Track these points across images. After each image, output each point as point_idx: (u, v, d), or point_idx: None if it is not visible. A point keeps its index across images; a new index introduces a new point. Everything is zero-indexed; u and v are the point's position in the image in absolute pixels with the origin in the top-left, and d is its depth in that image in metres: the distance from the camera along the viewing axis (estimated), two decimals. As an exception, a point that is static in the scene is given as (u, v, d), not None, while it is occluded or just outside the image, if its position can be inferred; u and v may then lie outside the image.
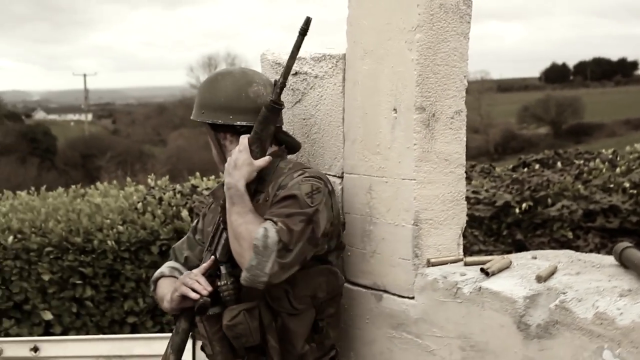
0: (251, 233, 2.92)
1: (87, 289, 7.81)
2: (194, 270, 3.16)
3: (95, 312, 7.89)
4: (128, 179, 9.74)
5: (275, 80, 3.15)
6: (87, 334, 7.79)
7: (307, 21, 3.13)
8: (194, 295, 3.05)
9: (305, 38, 3.14)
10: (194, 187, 8.82)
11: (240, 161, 3.09)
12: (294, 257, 2.95)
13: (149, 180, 9.35)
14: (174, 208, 8.10)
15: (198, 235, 3.48)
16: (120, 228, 7.86)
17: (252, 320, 3.06)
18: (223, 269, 3.11)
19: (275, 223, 2.92)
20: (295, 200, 3.02)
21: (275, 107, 3.15)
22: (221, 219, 3.16)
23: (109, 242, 7.74)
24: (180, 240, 3.56)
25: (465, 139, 3.26)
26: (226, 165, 3.12)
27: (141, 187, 9.23)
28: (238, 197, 3.05)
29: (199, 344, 3.28)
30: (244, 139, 3.13)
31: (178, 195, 8.46)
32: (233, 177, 3.08)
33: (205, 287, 3.06)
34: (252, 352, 3.14)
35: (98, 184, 9.71)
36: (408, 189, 3.16)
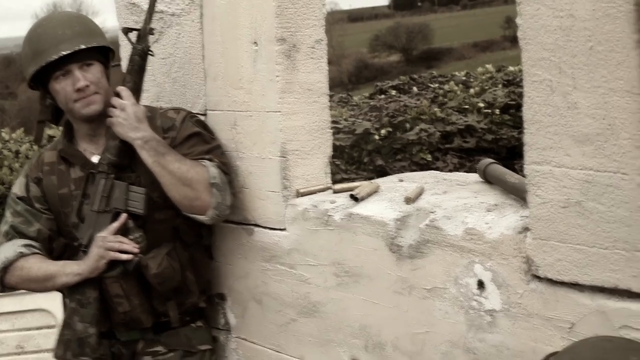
0: (203, 174, 3.03)
1: (-53, 250, 7.60)
2: (105, 233, 3.04)
3: (-42, 272, 7.68)
4: (-18, 134, 9.50)
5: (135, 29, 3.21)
6: (-49, 296, 7.57)
7: None
8: (125, 257, 3.02)
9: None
10: (51, 137, 8.63)
11: (140, 113, 3.09)
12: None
13: (4, 134, 9.16)
14: (32, 160, 7.92)
15: (38, 204, 3.21)
16: (-22, 185, 7.68)
17: (174, 262, 3.15)
18: (131, 223, 3.08)
19: (211, 160, 3.08)
20: (201, 136, 3.18)
21: (149, 55, 3.20)
22: (108, 175, 3.09)
23: (-34, 200, 7.55)
24: (13, 217, 3.22)
25: (327, 67, 3.27)
26: (122, 120, 3.05)
27: (-5, 141, 9.01)
28: (163, 147, 3.06)
29: None
30: (128, 91, 3.11)
31: (35, 147, 8.28)
32: (145, 130, 3.07)
33: (134, 246, 3.04)
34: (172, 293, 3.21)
35: (-50, 142, 9.42)
36: (273, 121, 3.16)
